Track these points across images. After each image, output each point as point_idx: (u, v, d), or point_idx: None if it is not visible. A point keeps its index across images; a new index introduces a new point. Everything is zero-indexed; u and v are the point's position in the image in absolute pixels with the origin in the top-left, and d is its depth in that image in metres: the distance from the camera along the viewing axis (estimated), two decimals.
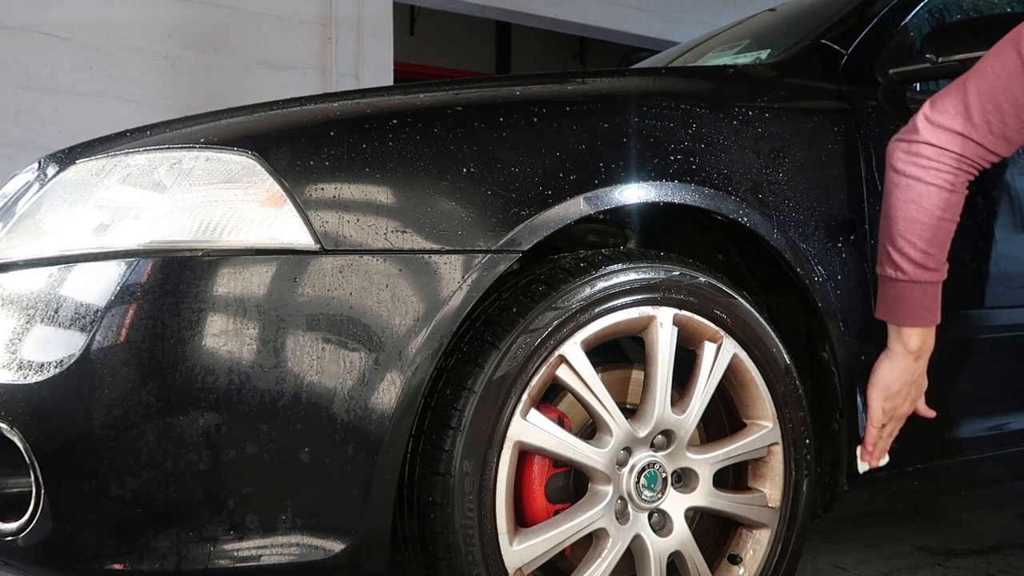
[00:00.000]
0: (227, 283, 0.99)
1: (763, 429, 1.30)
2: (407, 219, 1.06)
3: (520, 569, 1.12)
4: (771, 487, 1.32)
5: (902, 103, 1.54)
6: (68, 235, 1.09)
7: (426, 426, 1.09)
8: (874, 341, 1.40)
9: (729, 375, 1.29)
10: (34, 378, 0.99)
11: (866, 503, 1.50)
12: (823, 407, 1.41)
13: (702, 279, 1.24)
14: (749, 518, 1.30)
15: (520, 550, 1.11)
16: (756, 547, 1.32)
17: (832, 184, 1.40)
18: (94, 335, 0.98)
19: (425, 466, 1.09)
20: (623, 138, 1.22)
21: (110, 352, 0.97)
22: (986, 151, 1.28)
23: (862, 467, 1.40)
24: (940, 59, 1.48)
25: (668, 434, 1.24)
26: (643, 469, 1.20)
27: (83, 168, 1.15)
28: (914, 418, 1.44)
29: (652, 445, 1.23)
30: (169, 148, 1.10)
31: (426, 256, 1.06)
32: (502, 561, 1.10)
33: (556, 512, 1.17)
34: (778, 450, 1.32)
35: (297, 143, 1.07)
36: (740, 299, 1.27)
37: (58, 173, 1.17)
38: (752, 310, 1.28)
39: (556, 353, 1.13)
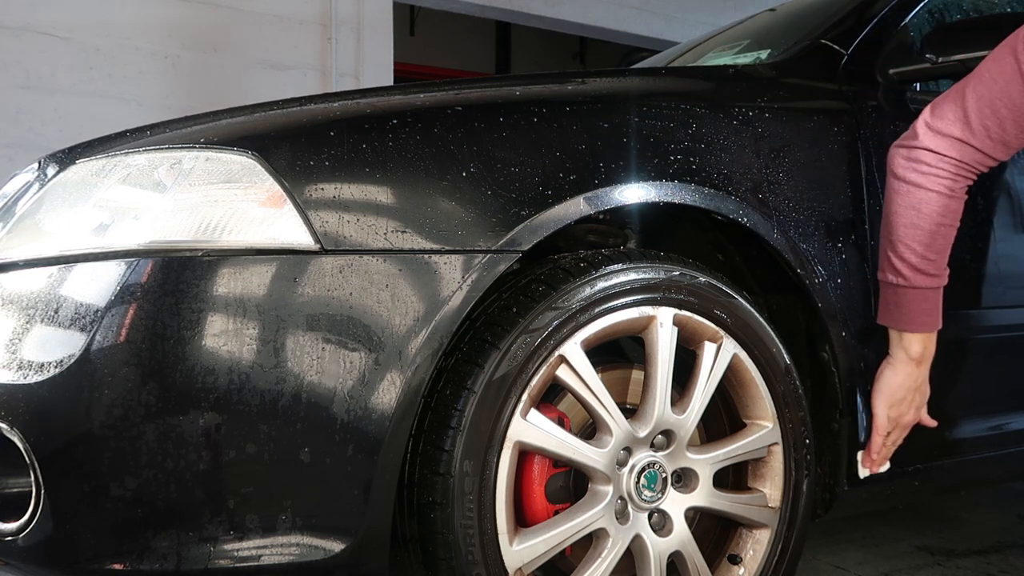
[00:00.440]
0: (227, 283, 0.99)
1: (763, 429, 1.30)
2: (407, 219, 1.06)
3: (520, 569, 1.12)
4: (771, 487, 1.32)
5: (902, 103, 1.54)
6: (68, 235, 1.09)
7: (426, 426, 1.09)
8: (874, 341, 1.40)
9: (729, 375, 1.29)
10: (34, 378, 0.99)
11: (866, 503, 1.50)
12: (823, 407, 1.41)
13: (702, 279, 1.24)
14: (749, 518, 1.30)
15: (520, 550, 1.11)
16: (756, 547, 1.32)
17: (832, 184, 1.40)
18: (94, 335, 0.98)
19: (425, 466, 1.08)
20: (623, 138, 1.22)
21: (110, 352, 0.97)
22: (985, 156, 1.28)
23: (863, 473, 1.40)
24: (940, 59, 1.48)
25: (668, 434, 1.23)
26: (643, 469, 1.20)
27: (83, 168, 1.15)
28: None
29: (652, 445, 1.23)
30: (169, 148, 1.10)
31: (426, 256, 1.06)
32: (502, 561, 1.10)
33: (556, 512, 1.17)
34: (778, 450, 1.32)
35: (297, 143, 1.07)
36: (740, 299, 1.27)
37: (58, 173, 1.17)
38: (752, 310, 1.28)
39: (556, 353, 1.13)
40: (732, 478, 1.36)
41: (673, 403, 1.23)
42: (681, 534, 1.24)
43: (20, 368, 1.00)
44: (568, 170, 1.16)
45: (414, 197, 1.07)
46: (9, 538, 1.01)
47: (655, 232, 1.45)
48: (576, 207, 1.15)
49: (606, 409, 1.17)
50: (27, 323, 1.04)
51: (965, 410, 1.56)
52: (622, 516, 1.20)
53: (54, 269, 1.05)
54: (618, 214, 1.33)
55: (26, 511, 1.00)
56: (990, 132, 1.26)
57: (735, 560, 1.32)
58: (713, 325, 1.25)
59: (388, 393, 1.03)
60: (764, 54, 1.68)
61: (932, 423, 1.42)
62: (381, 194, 1.07)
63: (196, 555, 0.98)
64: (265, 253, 1.01)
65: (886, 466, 1.41)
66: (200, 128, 1.14)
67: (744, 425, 1.32)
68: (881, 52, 1.55)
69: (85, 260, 1.04)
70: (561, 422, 1.19)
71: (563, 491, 1.22)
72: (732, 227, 1.32)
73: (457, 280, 1.06)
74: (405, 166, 1.08)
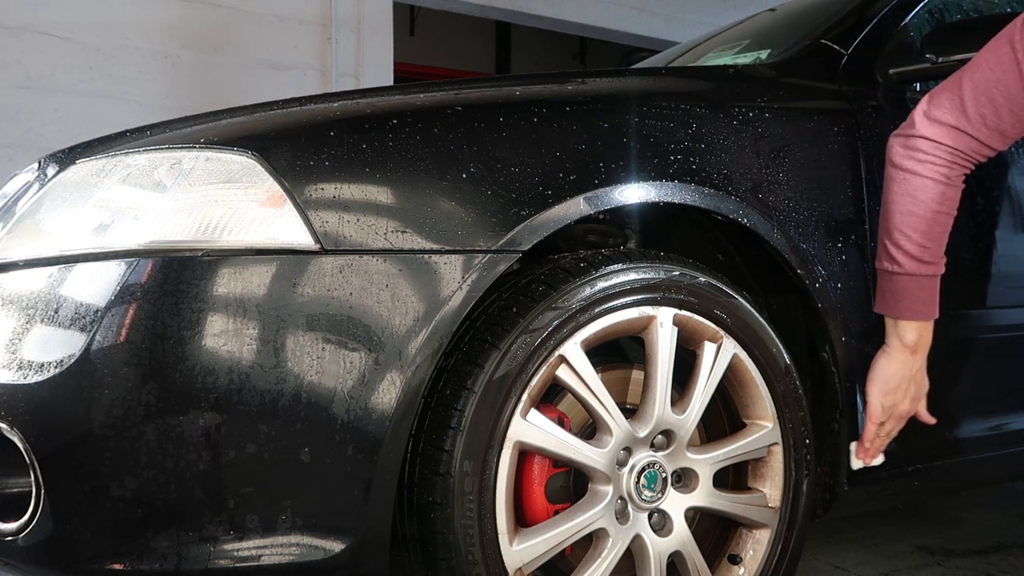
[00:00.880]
0: (227, 283, 0.99)
1: (763, 429, 1.30)
2: (407, 219, 1.06)
3: (520, 569, 1.12)
4: (771, 487, 1.32)
5: (902, 103, 1.54)
6: (68, 235, 1.09)
7: (426, 426, 1.09)
8: (874, 341, 1.39)
9: (729, 375, 1.29)
10: (34, 378, 0.99)
11: (866, 503, 1.50)
12: (823, 407, 1.41)
13: (702, 279, 1.24)
14: (749, 518, 1.30)
15: (520, 550, 1.11)
16: (756, 547, 1.32)
17: (832, 184, 1.40)
18: (94, 335, 0.98)
19: (425, 466, 1.08)
20: (623, 138, 1.22)
21: (110, 352, 0.97)
22: (981, 145, 1.29)
23: (856, 464, 1.40)
24: (940, 59, 1.48)
25: (668, 434, 1.23)
26: (643, 469, 1.20)
27: (83, 168, 1.15)
28: (914, 419, 1.44)
29: (652, 445, 1.23)
30: (169, 148, 1.10)
31: (426, 256, 1.06)
32: (502, 561, 1.10)
33: (556, 512, 1.17)
34: (778, 450, 1.32)
35: (297, 143, 1.07)
36: (740, 299, 1.27)
37: (58, 173, 1.17)
38: (752, 310, 1.28)
39: (556, 353, 1.13)
40: (732, 478, 1.36)
41: (673, 403, 1.23)
42: (681, 534, 1.24)
43: (20, 368, 1.00)
44: (568, 170, 1.16)
45: (414, 197, 1.07)
46: (9, 538, 1.01)
47: (655, 232, 1.45)
48: (576, 207, 1.15)
49: (606, 409, 1.17)
50: (27, 323, 1.04)
51: (965, 410, 1.56)
52: (622, 516, 1.20)
53: (54, 269, 1.05)
54: (618, 214, 1.33)
55: (26, 511, 1.00)
56: (986, 121, 1.26)
57: (735, 560, 1.32)
58: (713, 325, 1.25)
59: (388, 393, 1.03)
60: (764, 54, 1.68)
61: (931, 420, 1.41)
62: (381, 194, 1.07)
63: (196, 555, 0.98)
64: (265, 253, 1.01)
65: (880, 459, 1.41)
66: (200, 128, 1.14)
67: (744, 425, 1.32)
68: (881, 52, 1.55)
69: (85, 260, 1.04)
70: (561, 422, 1.19)
71: (563, 491, 1.22)
72: (732, 227, 1.32)
73: (457, 280, 1.06)
74: (405, 166, 1.08)
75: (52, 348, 1.00)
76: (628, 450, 1.20)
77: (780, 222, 1.32)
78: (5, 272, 1.11)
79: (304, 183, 1.04)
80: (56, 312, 1.02)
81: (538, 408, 1.14)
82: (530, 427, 1.12)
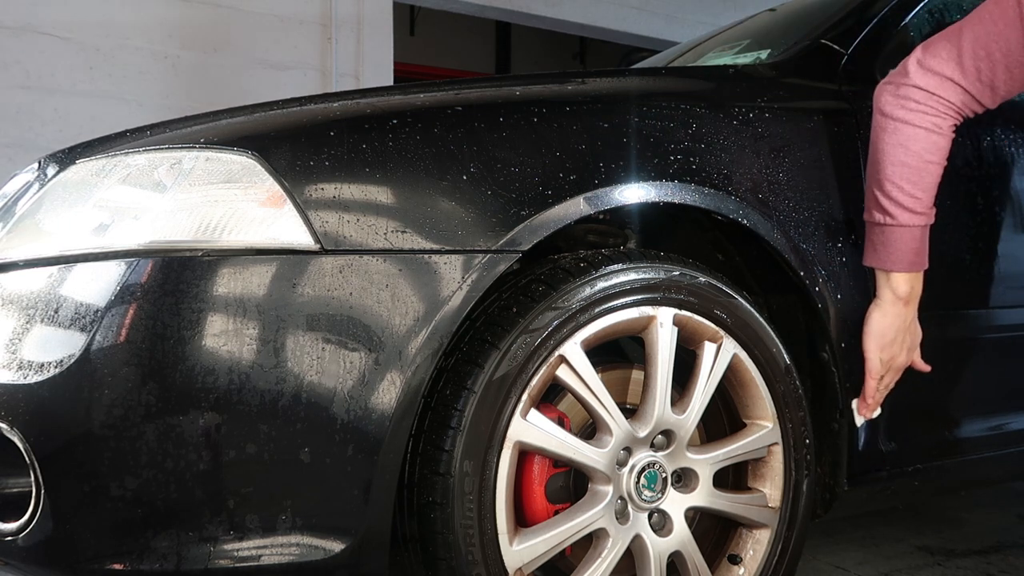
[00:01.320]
0: (227, 283, 0.99)
1: (763, 429, 1.30)
2: (407, 219, 1.06)
3: (520, 569, 1.12)
4: (771, 487, 1.32)
5: None
6: (68, 235, 1.09)
7: (426, 426, 1.09)
8: None
9: (729, 375, 1.29)
10: (34, 378, 0.99)
11: (866, 503, 1.50)
12: (823, 407, 1.41)
13: (702, 279, 1.24)
14: (749, 518, 1.30)
15: (520, 550, 1.11)
16: (756, 547, 1.32)
17: (832, 184, 1.40)
18: (94, 335, 0.98)
19: (425, 466, 1.09)
20: (623, 138, 1.22)
21: (110, 352, 0.97)
22: (972, 99, 1.28)
23: (859, 420, 1.39)
24: None
25: (668, 434, 1.24)
26: (643, 469, 1.20)
27: (83, 168, 1.15)
28: (915, 419, 1.44)
29: (652, 445, 1.23)
30: (169, 148, 1.10)
31: (426, 256, 1.06)
32: (502, 561, 1.10)
33: (556, 512, 1.17)
34: (778, 450, 1.32)
35: (297, 143, 1.07)
36: (740, 299, 1.27)
37: (58, 173, 1.17)
38: (752, 310, 1.28)
39: (556, 353, 1.13)
40: (732, 478, 1.36)
41: (673, 403, 1.23)
42: (681, 534, 1.24)
43: (20, 368, 1.00)
44: (568, 170, 1.16)
45: (414, 197, 1.07)
46: (9, 538, 1.01)
47: (655, 232, 1.45)
48: (576, 207, 1.15)
49: (606, 409, 1.17)
50: (27, 323, 1.04)
51: (965, 410, 1.56)
52: (622, 516, 1.20)
53: (54, 269, 1.05)
54: (618, 214, 1.33)
55: (26, 511, 1.00)
56: (981, 74, 1.26)
57: (735, 560, 1.32)
58: (713, 325, 1.25)
59: (388, 393, 1.03)
60: (764, 54, 1.68)
61: (925, 367, 1.41)
62: (381, 194, 1.07)
63: (196, 555, 0.98)
64: (265, 253, 1.01)
65: (878, 411, 1.40)
66: (200, 128, 1.14)
67: (744, 425, 1.32)
68: (881, 52, 1.55)
69: (85, 260, 1.04)
70: (561, 422, 1.19)
71: (563, 491, 1.22)
72: (732, 227, 1.32)
73: (457, 280, 1.06)
74: (405, 166, 1.08)
75: (52, 348, 1.00)
76: (628, 450, 1.20)
77: (780, 222, 1.32)
78: (5, 272, 1.11)
79: (304, 183, 1.04)
80: (56, 312, 1.02)
81: (538, 408, 1.14)
82: (530, 427, 1.12)
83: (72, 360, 0.97)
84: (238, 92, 4.07)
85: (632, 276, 1.19)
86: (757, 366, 1.29)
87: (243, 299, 0.99)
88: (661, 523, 1.24)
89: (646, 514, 1.22)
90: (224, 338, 0.98)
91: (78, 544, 0.97)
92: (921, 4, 1.62)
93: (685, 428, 1.23)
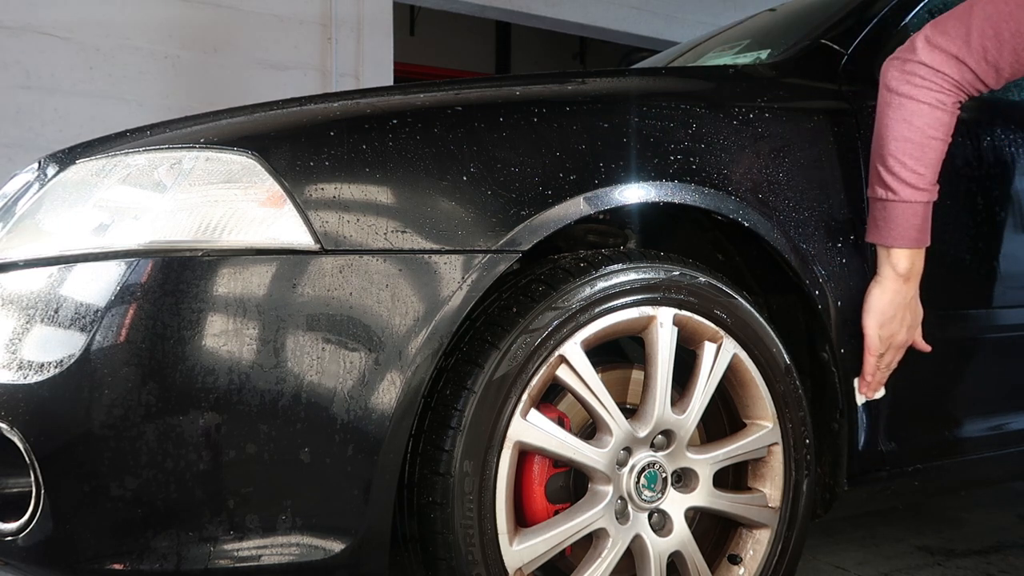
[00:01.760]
0: (227, 283, 0.99)
1: (763, 429, 1.30)
2: (407, 219, 1.06)
3: (520, 569, 1.12)
4: (771, 487, 1.32)
5: None
6: (68, 235, 1.09)
7: (426, 426, 1.09)
8: None
9: (729, 375, 1.29)
10: (34, 378, 0.99)
11: (866, 503, 1.50)
12: (823, 407, 1.41)
13: (702, 279, 1.24)
14: (749, 518, 1.30)
15: (520, 550, 1.11)
16: (756, 547, 1.32)
17: (832, 184, 1.40)
18: (94, 335, 0.98)
19: (425, 466, 1.09)
20: (623, 138, 1.22)
21: (110, 352, 0.97)
22: (976, 78, 1.28)
23: (860, 399, 1.39)
24: None
25: (668, 434, 1.24)
26: (643, 469, 1.20)
27: (83, 168, 1.15)
28: (915, 419, 1.43)
29: (652, 445, 1.23)
30: (169, 148, 1.10)
31: (426, 256, 1.06)
32: (502, 561, 1.10)
33: (556, 512, 1.17)
34: (778, 450, 1.32)
35: (297, 143, 1.07)
36: (740, 299, 1.27)
37: (58, 173, 1.17)
38: (752, 310, 1.28)
39: (556, 353, 1.13)
40: (732, 478, 1.36)
41: (673, 403, 1.23)
42: (681, 534, 1.24)
43: (20, 368, 1.00)
44: (568, 170, 1.16)
45: (414, 197, 1.07)
46: (9, 538, 1.01)
47: (655, 232, 1.45)
48: (576, 207, 1.15)
49: (606, 409, 1.17)
50: (27, 323, 1.04)
51: (965, 410, 1.56)
52: (622, 516, 1.20)
53: (54, 269, 1.05)
54: (618, 214, 1.33)
55: (26, 511, 1.00)
56: (987, 54, 1.26)
57: (735, 560, 1.32)
58: (713, 325, 1.25)
59: (388, 393, 1.03)
60: (764, 54, 1.68)
61: (926, 347, 1.41)
62: (381, 194, 1.07)
63: (196, 555, 0.98)
64: (265, 253, 1.01)
65: (881, 392, 1.40)
66: (200, 128, 1.14)
67: (744, 425, 1.32)
68: (881, 52, 1.55)
69: (85, 260, 1.04)
70: (561, 422, 1.19)
71: (563, 491, 1.22)
72: (732, 227, 1.32)
73: (457, 280, 1.06)
74: (405, 166, 1.08)
75: (52, 348, 1.00)
76: (628, 450, 1.20)
77: (780, 222, 1.32)
78: (5, 272, 1.11)
79: (304, 183, 1.04)
80: (56, 312, 1.02)
81: (538, 408, 1.14)
82: (530, 427, 1.12)
83: (72, 360, 0.97)
84: (238, 92, 4.07)
85: (632, 276, 1.19)
86: (757, 366, 1.29)
87: (243, 299, 0.99)
88: (661, 523, 1.24)
89: (646, 514, 1.22)
90: (224, 338, 0.98)
91: (78, 544, 0.97)
92: (921, 4, 1.62)
93: (685, 428, 1.23)
